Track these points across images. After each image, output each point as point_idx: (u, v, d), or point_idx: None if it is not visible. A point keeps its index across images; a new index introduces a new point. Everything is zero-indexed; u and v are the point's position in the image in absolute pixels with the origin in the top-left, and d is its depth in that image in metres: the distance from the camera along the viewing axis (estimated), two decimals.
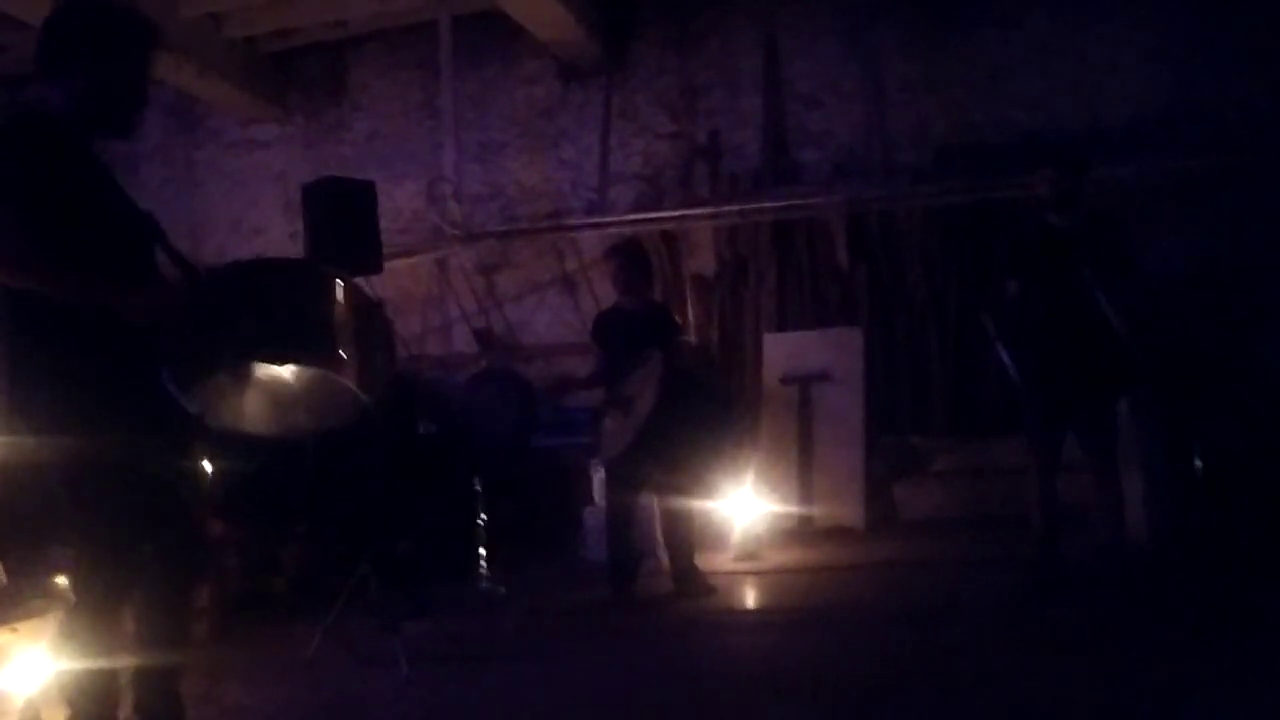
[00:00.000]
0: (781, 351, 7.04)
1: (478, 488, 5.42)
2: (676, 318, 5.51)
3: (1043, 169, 4.40)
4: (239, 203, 8.64)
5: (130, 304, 2.47)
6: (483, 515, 5.40)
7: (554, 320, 7.90)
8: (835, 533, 6.41)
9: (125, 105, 2.67)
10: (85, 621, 2.55)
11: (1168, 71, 6.94)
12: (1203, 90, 6.85)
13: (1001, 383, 4.28)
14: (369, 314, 2.79)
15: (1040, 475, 4.40)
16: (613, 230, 7.40)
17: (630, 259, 5.16)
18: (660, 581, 5.05)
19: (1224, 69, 6.82)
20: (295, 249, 6.21)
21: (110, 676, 2.58)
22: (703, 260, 7.62)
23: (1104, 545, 4.36)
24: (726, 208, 7.44)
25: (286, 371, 2.60)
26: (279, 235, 8.31)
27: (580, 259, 7.73)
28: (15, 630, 3.57)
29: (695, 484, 4.97)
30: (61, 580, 3.97)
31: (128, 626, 2.66)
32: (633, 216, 7.60)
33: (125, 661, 2.62)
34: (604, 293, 6.43)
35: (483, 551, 5.38)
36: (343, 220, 4.88)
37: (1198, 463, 5.03)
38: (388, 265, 5.48)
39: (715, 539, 5.85)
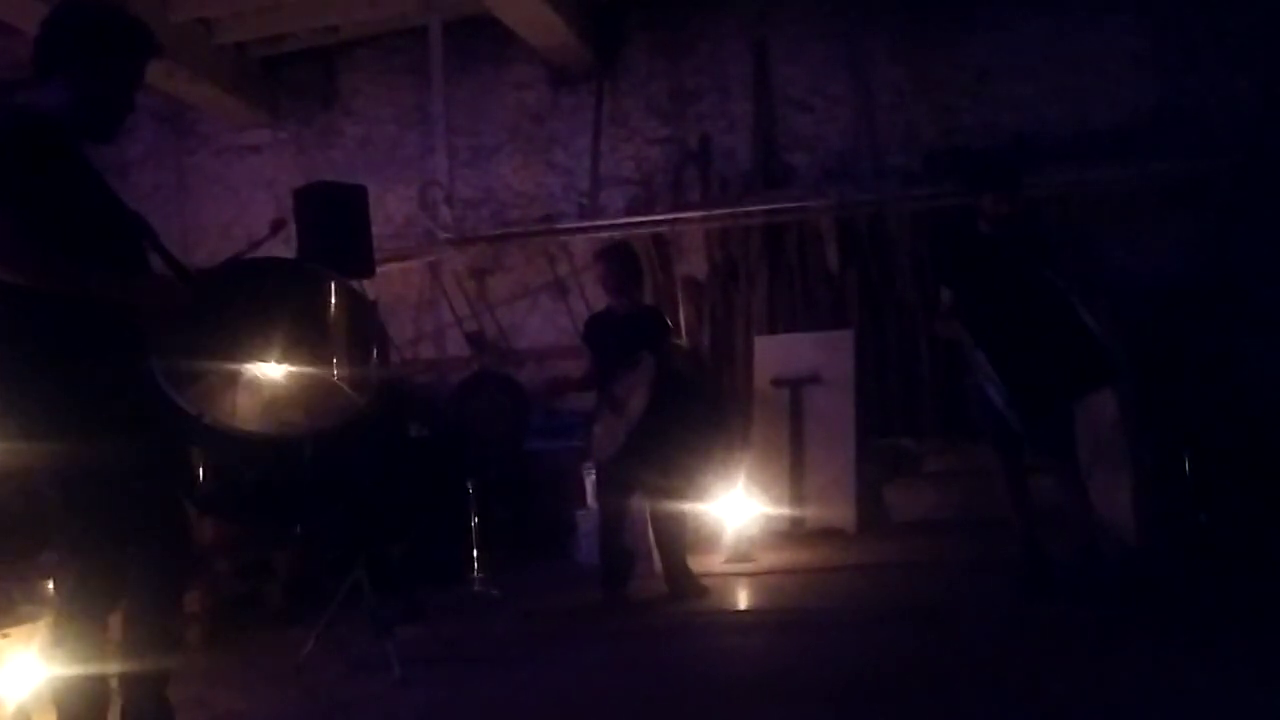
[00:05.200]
0: (772, 354, 7.06)
1: (470, 491, 5.44)
2: (668, 320, 5.52)
3: (986, 193, 4.40)
4: (230, 208, 8.62)
5: (139, 292, 2.47)
6: (475, 518, 5.41)
7: (546, 324, 7.91)
8: (826, 534, 6.42)
9: (109, 112, 2.67)
10: (74, 626, 2.55)
11: (1155, 75, 6.98)
12: (1189, 94, 6.90)
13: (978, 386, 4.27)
14: (362, 314, 2.79)
15: (1009, 483, 4.41)
16: (604, 234, 7.41)
17: (620, 262, 5.17)
18: (653, 583, 5.05)
19: (1211, 73, 6.86)
20: (288, 255, 6.21)
21: (100, 681, 2.58)
22: (694, 263, 7.64)
23: (1081, 546, 4.37)
24: (717, 211, 7.46)
25: (280, 371, 2.60)
26: (271, 241, 8.28)
27: (572, 263, 7.75)
28: (6, 635, 3.57)
29: (687, 486, 4.99)
30: (52, 585, 3.97)
31: (116, 631, 2.66)
32: (624, 220, 7.62)
33: (114, 666, 2.61)
34: (595, 296, 6.45)
35: (475, 555, 5.39)
36: (335, 224, 4.89)
37: (1186, 462, 5.06)
38: (380, 270, 5.50)
39: (707, 541, 5.87)
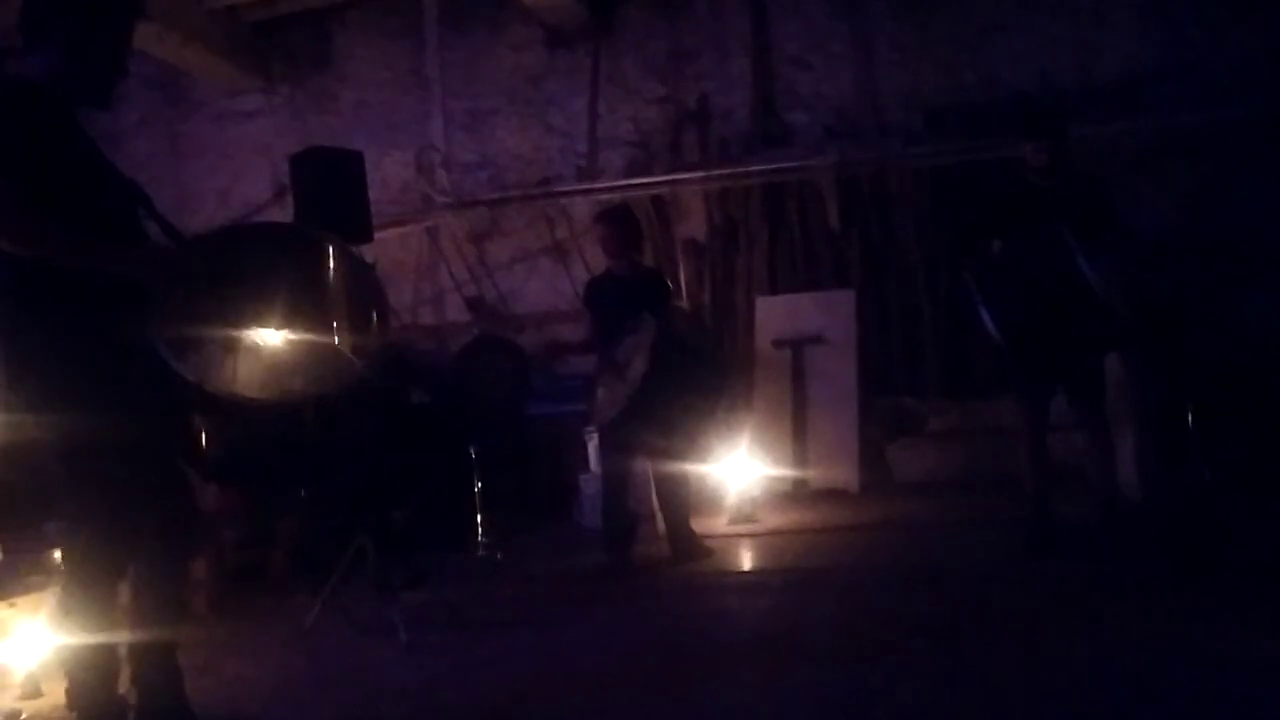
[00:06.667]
0: (774, 314, 7.03)
1: (473, 456, 5.44)
2: (668, 282, 5.49)
3: (1026, 141, 4.37)
4: (226, 175, 8.57)
5: (134, 261, 2.45)
6: (479, 484, 5.42)
7: (545, 288, 7.87)
8: (829, 495, 6.44)
9: (103, 75, 2.64)
10: (82, 595, 2.56)
11: (1159, 27, 6.89)
12: (1194, 46, 6.81)
13: (991, 343, 4.27)
14: (361, 277, 2.77)
15: (1030, 434, 4.42)
16: (603, 196, 7.37)
17: (620, 223, 5.14)
18: (656, 546, 5.06)
19: (1215, 24, 6.78)
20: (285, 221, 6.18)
21: (109, 649, 2.59)
22: (694, 224, 7.59)
23: (1099, 501, 4.39)
24: (717, 171, 7.40)
25: (280, 337, 2.58)
26: (267, 207, 8.25)
27: (570, 226, 7.70)
28: (14, 605, 3.59)
29: (690, 448, 4.98)
30: (58, 555, 3.98)
31: (124, 599, 2.67)
32: (623, 182, 7.57)
33: (123, 635, 2.62)
34: (595, 259, 6.41)
35: (479, 519, 5.40)
36: (332, 190, 4.85)
37: (1190, 417, 5.05)
38: (378, 236, 5.46)
39: (710, 502, 5.87)
